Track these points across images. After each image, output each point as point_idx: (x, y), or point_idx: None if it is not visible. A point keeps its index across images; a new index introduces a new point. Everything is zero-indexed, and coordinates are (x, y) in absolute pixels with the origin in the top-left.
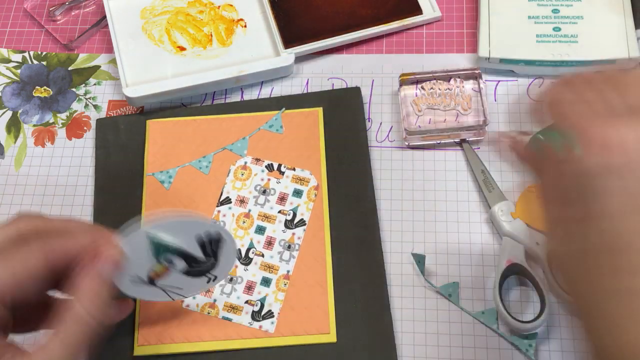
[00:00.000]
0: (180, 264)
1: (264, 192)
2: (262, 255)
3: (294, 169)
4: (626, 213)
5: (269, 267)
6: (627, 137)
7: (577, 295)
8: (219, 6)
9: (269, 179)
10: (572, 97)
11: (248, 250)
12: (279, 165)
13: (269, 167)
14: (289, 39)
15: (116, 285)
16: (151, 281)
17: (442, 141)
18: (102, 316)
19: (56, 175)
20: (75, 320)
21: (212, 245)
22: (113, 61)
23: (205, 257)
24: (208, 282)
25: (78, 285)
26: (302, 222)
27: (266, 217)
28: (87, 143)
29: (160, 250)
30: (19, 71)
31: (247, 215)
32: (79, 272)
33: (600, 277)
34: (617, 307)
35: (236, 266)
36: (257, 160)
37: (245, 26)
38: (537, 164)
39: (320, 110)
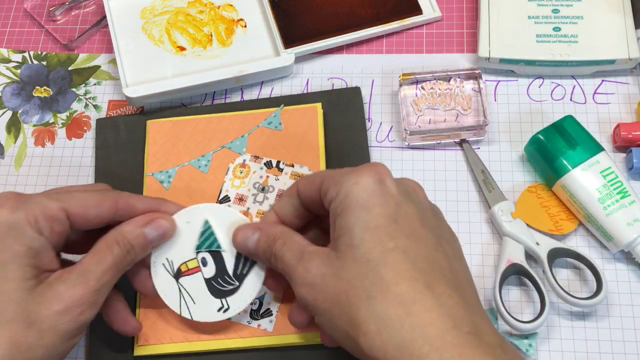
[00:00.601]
0: (211, 270)
1: (263, 189)
2: None
3: (292, 166)
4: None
5: None
6: (383, 168)
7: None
8: (219, 6)
9: (267, 176)
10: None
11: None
12: (278, 162)
13: (268, 164)
14: (289, 39)
15: (151, 263)
16: (177, 274)
17: (442, 141)
18: (134, 252)
19: (56, 175)
20: (109, 244)
21: (246, 266)
22: (113, 61)
23: (233, 276)
24: (219, 310)
25: (122, 225)
26: None
27: (265, 215)
28: (87, 143)
29: (205, 243)
30: (19, 71)
31: (246, 213)
32: (129, 220)
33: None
34: None
35: None
36: (256, 157)
37: (245, 26)
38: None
39: (318, 105)
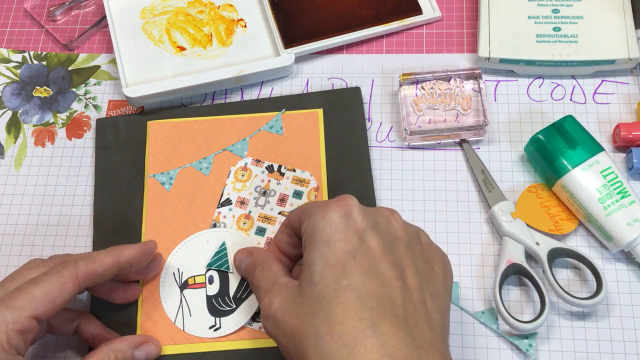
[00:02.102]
0: (214, 288)
1: (264, 193)
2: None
3: (294, 170)
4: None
5: None
6: (352, 201)
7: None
8: (219, 6)
9: (269, 180)
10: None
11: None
12: (279, 167)
13: (269, 169)
14: (289, 39)
15: (163, 267)
16: (183, 285)
17: (442, 141)
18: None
19: (56, 175)
20: None
21: (245, 291)
22: (113, 61)
23: (233, 299)
24: (210, 327)
25: (115, 342)
26: None
27: (266, 219)
28: (87, 143)
29: (216, 262)
30: (19, 71)
31: (248, 216)
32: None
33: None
34: None
35: None
36: (258, 161)
37: (245, 26)
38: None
39: (320, 111)
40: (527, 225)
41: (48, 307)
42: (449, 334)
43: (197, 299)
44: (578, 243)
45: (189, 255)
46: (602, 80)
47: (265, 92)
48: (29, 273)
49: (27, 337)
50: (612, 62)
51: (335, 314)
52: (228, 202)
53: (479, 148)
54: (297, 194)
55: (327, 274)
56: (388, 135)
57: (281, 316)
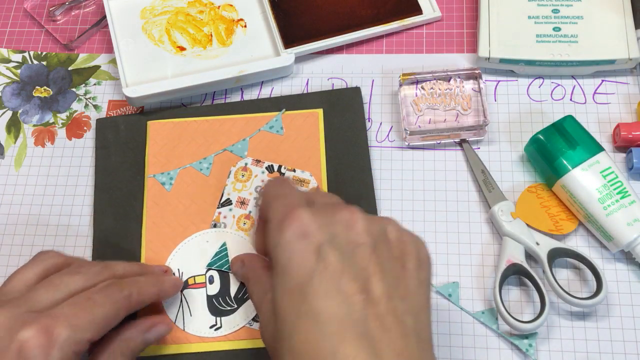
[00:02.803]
0: (215, 288)
1: None
2: None
3: (294, 170)
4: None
5: None
6: (305, 215)
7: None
8: (219, 6)
9: None
10: (276, 194)
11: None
12: (279, 167)
13: (269, 169)
14: (289, 39)
15: None
16: (184, 286)
17: (442, 141)
18: (134, 355)
19: (56, 175)
20: (114, 356)
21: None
22: (113, 61)
23: (234, 299)
24: (211, 327)
25: (125, 331)
26: None
27: None
28: (87, 143)
29: (217, 262)
30: (19, 71)
31: (248, 216)
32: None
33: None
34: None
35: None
36: (258, 161)
37: (245, 26)
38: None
39: (320, 111)
40: (527, 225)
41: (102, 333)
42: (429, 330)
43: (197, 298)
44: (578, 243)
45: (189, 256)
46: (602, 80)
47: (265, 92)
48: (70, 281)
49: (77, 359)
50: (612, 62)
51: (296, 345)
52: (228, 202)
53: (479, 148)
54: None
55: (287, 301)
56: (388, 135)
57: (264, 335)
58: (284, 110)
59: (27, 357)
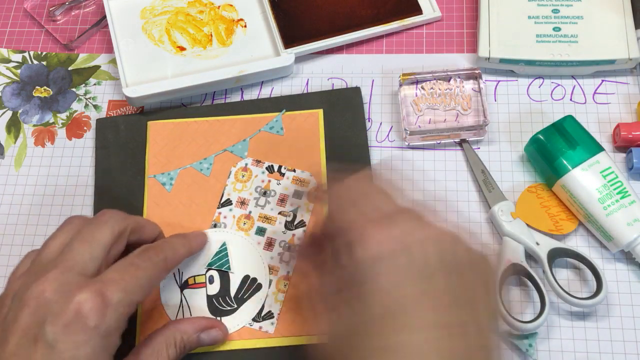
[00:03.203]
0: (215, 288)
1: (265, 193)
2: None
3: (294, 171)
4: (398, 284)
5: (270, 268)
6: (394, 232)
7: None
8: (219, 6)
9: (269, 181)
10: (348, 206)
11: None
12: (280, 167)
13: (270, 169)
14: (289, 39)
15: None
16: (184, 285)
17: (442, 141)
18: (186, 351)
19: (56, 175)
20: (168, 343)
21: (248, 292)
22: (113, 61)
23: (234, 299)
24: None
25: (182, 323)
26: (302, 224)
27: (266, 219)
28: (87, 143)
29: (217, 262)
30: (19, 71)
31: (248, 216)
32: (190, 320)
33: (365, 347)
34: None
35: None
36: (258, 161)
37: (245, 26)
38: (315, 260)
39: (320, 112)
40: (527, 225)
41: (147, 295)
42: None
43: (197, 298)
44: (578, 243)
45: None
46: (602, 80)
47: (265, 92)
48: (98, 233)
49: (125, 320)
50: (612, 62)
51: None
52: (228, 202)
53: (479, 148)
54: (297, 194)
55: (368, 329)
56: (388, 135)
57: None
58: (284, 110)
59: (86, 316)
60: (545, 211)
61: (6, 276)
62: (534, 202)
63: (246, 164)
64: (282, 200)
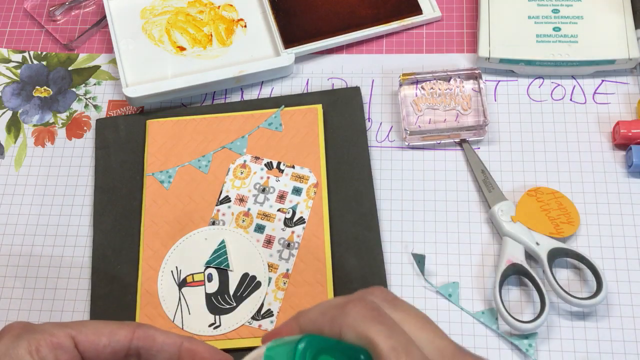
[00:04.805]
0: (214, 286)
1: (263, 190)
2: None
3: (293, 167)
4: None
5: (269, 266)
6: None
7: None
8: (219, 6)
9: (268, 177)
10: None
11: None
12: (278, 163)
13: (268, 165)
14: (289, 39)
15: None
16: (182, 283)
17: (442, 141)
18: None
19: (56, 175)
20: None
21: (247, 290)
22: (113, 61)
23: (233, 297)
24: (210, 325)
25: None
26: (301, 220)
27: (265, 216)
28: (87, 143)
29: (216, 260)
30: (19, 71)
31: (247, 214)
32: None
33: None
34: None
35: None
36: (257, 158)
37: (245, 26)
38: None
39: (319, 107)
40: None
41: (91, 339)
42: None
43: (196, 297)
44: (578, 243)
45: (187, 253)
46: (602, 80)
47: (265, 92)
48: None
49: (59, 355)
50: (612, 62)
51: None
52: (227, 199)
53: (479, 148)
54: (297, 191)
55: None
56: (388, 135)
57: None
58: (282, 106)
59: None
60: (546, 214)
61: (6, 276)
62: (534, 206)
63: (245, 161)
64: (281, 197)
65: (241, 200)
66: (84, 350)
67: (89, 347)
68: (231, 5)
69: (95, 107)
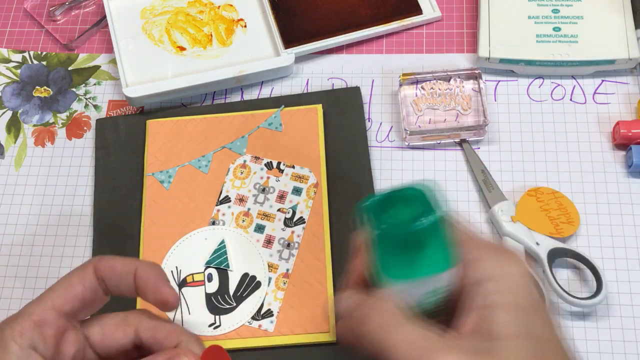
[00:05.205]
0: (214, 286)
1: (263, 190)
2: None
3: (293, 167)
4: None
5: (269, 266)
6: None
7: None
8: (219, 6)
9: (268, 177)
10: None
11: None
12: (278, 163)
13: (268, 165)
14: (289, 39)
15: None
16: (182, 283)
17: (442, 141)
18: None
19: (56, 175)
20: None
21: (247, 290)
22: (113, 61)
23: (233, 297)
24: (210, 325)
25: None
26: (301, 220)
27: (265, 216)
28: (87, 143)
29: (216, 260)
30: (19, 71)
31: (247, 213)
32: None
33: None
34: None
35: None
36: (257, 158)
37: (245, 26)
38: None
39: (319, 107)
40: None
41: (67, 296)
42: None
43: (196, 296)
44: (578, 243)
45: (187, 253)
46: (602, 80)
47: (265, 92)
48: None
49: (47, 331)
50: (612, 62)
51: None
52: (227, 199)
53: (479, 148)
54: (297, 191)
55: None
56: (388, 135)
57: None
58: (282, 106)
59: None
60: (546, 214)
61: (6, 276)
62: (534, 206)
63: (245, 161)
64: (281, 197)
65: (241, 200)
66: (65, 310)
67: (65, 304)
68: (231, 5)
69: (95, 107)
